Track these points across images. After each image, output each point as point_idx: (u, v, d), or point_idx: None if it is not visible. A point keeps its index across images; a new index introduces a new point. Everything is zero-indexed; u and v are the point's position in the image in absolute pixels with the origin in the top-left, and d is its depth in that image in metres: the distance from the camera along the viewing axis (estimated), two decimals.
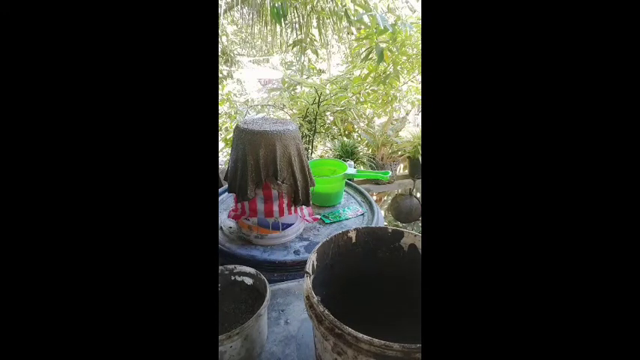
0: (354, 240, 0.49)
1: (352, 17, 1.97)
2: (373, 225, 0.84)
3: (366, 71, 1.98)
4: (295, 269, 0.71)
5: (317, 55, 2.36)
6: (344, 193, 0.98)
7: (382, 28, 1.56)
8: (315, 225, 0.85)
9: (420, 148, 1.74)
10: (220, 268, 0.56)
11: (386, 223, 0.84)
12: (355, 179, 1.19)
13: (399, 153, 1.82)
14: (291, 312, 0.59)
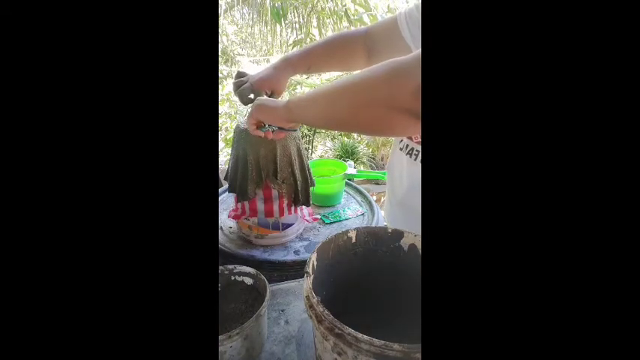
0: (354, 240, 0.49)
1: (352, 17, 1.97)
2: (373, 225, 0.84)
3: None
4: (295, 269, 0.71)
5: None
6: (344, 193, 0.98)
7: None
8: (315, 225, 0.85)
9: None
10: (220, 268, 0.56)
11: (386, 223, 0.84)
12: (355, 179, 1.19)
13: None
14: (291, 312, 0.59)
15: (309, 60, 0.72)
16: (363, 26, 0.75)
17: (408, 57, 0.38)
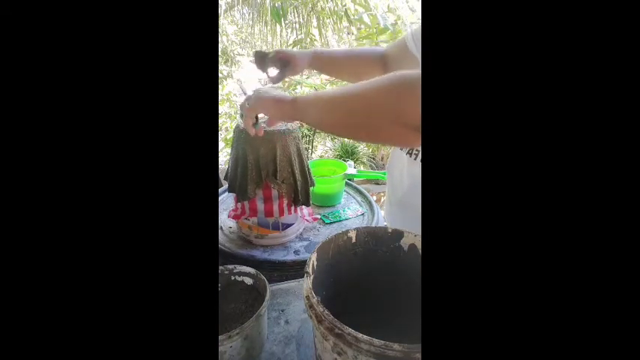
0: (354, 240, 0.49)
1: (352, 17, 1.97)
2: (373, 225, 0.84)
3: None
4: (295, 269, 0.71)
5: None
6: (344, 193, 0.98)
7: (382, 27, 1.56)
8: (315, 225, 0.85)
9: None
10: (220, 268, 0.56)
11: (386, 223, 0.84)
12: (355, 179, 1.19)
13: None
14: (291, 312, 0.59)
15: (327, 58, 0.76)
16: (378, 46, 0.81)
17: (412, 72, 0.38)
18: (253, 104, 0.58)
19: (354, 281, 0.50)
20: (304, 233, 0.81)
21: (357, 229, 0.49)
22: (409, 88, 0.38)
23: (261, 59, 0.73)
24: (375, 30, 1.68)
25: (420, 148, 0.66)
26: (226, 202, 0.95)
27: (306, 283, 0.39)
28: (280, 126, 0.70)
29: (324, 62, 0.76)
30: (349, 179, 1.05)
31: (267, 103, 0.57)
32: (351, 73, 0.78)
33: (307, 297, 0.37)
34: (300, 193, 0.73)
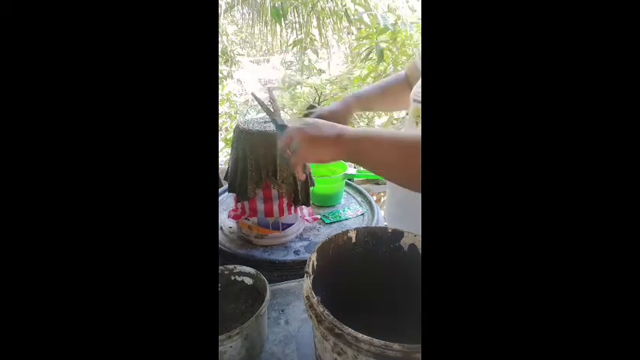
0: (354, 240, 0.49)
1: (352, 17, 1.97)
2: (373, 225, 0.84)
3: (365, 71, 1.98)
4: (295, 269, 0.71)
5: (317, 55, 2.36)
6: (344, 193, 0.98)
7: (382, 26, 1.56)
8: (315, 225, 0.85)
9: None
10: (220, 268, 0.56)
11: (386, 223, 0.85)
12: (355, 179, 1.19)
13: None
14: (291, 312, 0.59)
15: (365, 99, 0.81)
16: (402, 71, 0.87)
17: None
18: (301, 153, 0.51)
19: (354, 281, 0.50)
20: (304, 233, 0.81)
21: (357, 229, 0.49)
22: None
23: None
24: (375, 30, 1.68)
25: None
26: (226, 202, 0.95)
27: (306, 283, 0.39)
28: None
29: (369, 102, 0.82)
30: (349, 179, 1.05)
31: (318, 153, 0.50)
32: (389, 103, 0.87)
33: (307, 297, 0.37)
34: (300, 193, 0.73)
